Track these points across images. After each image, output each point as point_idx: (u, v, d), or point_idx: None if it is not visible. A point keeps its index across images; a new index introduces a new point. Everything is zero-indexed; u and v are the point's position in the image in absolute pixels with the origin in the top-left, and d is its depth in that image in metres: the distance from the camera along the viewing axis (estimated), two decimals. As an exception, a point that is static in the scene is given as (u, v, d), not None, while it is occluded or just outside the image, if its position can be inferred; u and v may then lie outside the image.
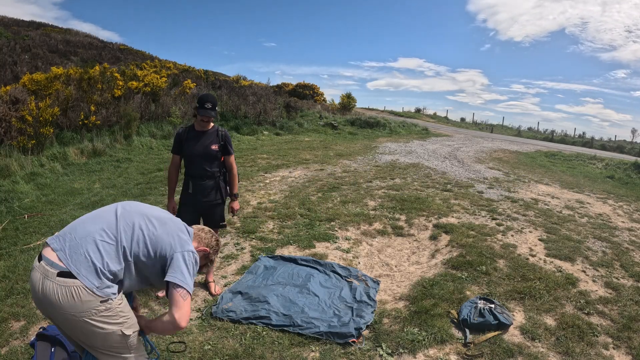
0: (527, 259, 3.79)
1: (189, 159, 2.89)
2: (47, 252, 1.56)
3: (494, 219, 4.99)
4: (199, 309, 2.89)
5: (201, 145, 2.85)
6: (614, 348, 2.56)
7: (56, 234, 1.64)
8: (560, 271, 3.57)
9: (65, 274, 1.49)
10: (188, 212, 2.92)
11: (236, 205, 3.10)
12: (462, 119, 33.72)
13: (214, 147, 2.87)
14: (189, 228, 1.81)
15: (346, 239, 4.29)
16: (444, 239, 4.31)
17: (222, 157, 2.97)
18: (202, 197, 2.92)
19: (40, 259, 1.55)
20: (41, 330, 2.08)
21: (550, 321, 2.80)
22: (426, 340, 2.55)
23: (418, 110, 33.14)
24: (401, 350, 2.47)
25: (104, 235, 1.59)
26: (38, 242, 3.75)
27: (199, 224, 2.92)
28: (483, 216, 5.10)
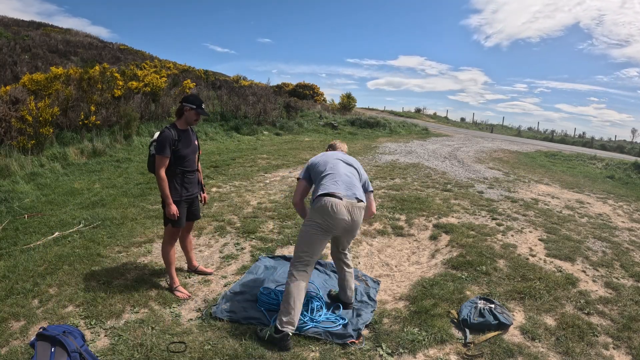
0: (527, 259, 3.79)
1: (183, 157, 2.96)
2: (338, 193, 2.50)
3: (494, 219, 4.99)
4: (199, 309, 2.89)
5: (190, 142, 3.02)
6: (614, 348, 2.56)
7: (326, 184, 2.55)
8: (560, 271, 3.57)
9: (359, 200, 2.57)
10: (184, 208, 3.04)
11: (206, 195, 3.36)
12: (462, 119, 33.75)
13: (196, 142, 3.10)
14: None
15: (346, 239, 4.28)
16: (444, 239, 4.31)
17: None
18: (192, 190, 3.08)
19: (339, 198, 2.49)
20: (41, 330, 2.08)
21: (550, 321, 2.80)
22: (426, 340, 2.55)
23: (418, 110, 33.15)
24: (401, 350, 2.47)
25: (350, 170, 2.72)
26: (38, 242, 3.75)
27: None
28: (483, 216, 5.10)
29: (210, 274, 3.41)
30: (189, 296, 3.03)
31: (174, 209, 2.89)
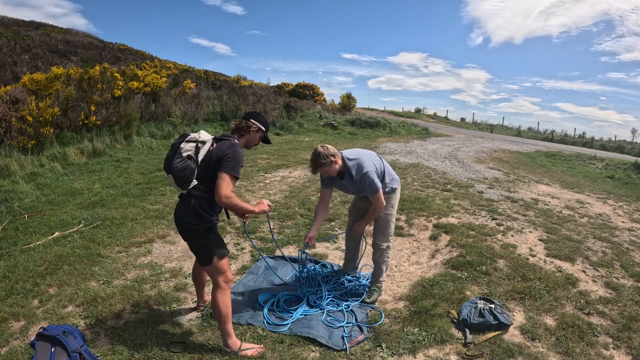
0: (527, 259, 3.79)
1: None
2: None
3: (494, 219, 4.99)
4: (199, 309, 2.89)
5: None
6: (614, 348, 2.56)
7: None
8: (560, 271, 3.57)
9: None
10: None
11: None
12: (462, 119, 33.73)
13: None
14: None
15: (346, 239, 4.28)
16: (444, 239, 4.31)
17: None
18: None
19: None
20: (41, 330, 2.08)
21: (550, 321, 2.80)
22: (426, 340, 2.55)
23: (418, 111, 33.16)
24: (401, 350, 2.47)
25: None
26: (38, 242, 3.75)
27: None
28: (483, 216, 5.10)
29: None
30: (262, 348, 2.41)
31: (265, 202, 2.38)
